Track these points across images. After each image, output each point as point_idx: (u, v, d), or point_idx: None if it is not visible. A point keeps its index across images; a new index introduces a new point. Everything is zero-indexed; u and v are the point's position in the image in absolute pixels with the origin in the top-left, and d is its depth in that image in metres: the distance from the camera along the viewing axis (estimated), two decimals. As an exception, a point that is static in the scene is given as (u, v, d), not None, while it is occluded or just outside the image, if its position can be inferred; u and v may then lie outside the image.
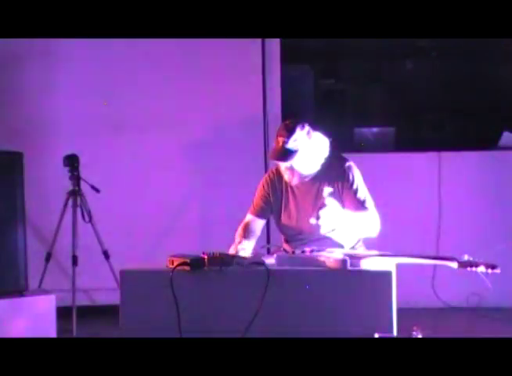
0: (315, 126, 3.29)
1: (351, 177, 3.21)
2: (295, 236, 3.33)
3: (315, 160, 3.22)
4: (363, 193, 3.22)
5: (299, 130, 3.16)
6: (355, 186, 3.20)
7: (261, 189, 3.42)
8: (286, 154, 3.15)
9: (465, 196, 5.50)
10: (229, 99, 5.44)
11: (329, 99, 6.87)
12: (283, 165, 3.22)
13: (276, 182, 3.36)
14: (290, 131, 3.15)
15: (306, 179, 3.25)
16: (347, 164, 3.26)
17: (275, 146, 3.22)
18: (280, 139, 3.17)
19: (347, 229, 3.09)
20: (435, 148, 5.60)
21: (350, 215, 3.08)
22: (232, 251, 3.11)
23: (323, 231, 3.02)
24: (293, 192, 3.30)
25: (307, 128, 3.20)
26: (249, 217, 3.41)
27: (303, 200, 3.25)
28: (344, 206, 3.15)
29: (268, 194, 3.37)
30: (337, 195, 3.17)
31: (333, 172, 3.23)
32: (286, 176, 3.26)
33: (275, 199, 3.35)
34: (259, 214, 3.38)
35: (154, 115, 5.44)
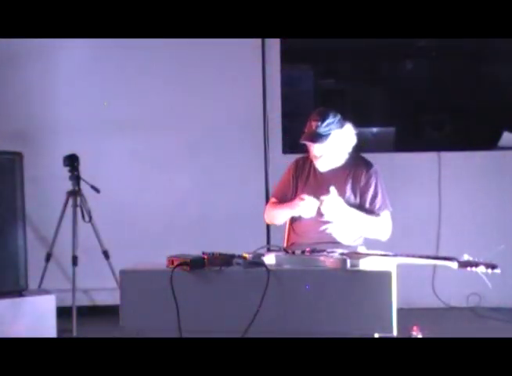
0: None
1: (374, 182, 3.33)
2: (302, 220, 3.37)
3: (344, 148, 3.34)
4: (381, 201, 3.32)
5: (332, 116, 3.28)
6: (376, 192, 3.32)
7: (286, 173, 3.53)
8: (319, 137, 3.25)
9: (465, 196, 5.50)
10: (229, 99, 5.44)
11: (329, 99, 6.86)
12: (315, 148, 3.29)
13: (302, 168, 3.46)
14: (323, 116, 3.28)
15: (332, 170, 3.34)
16: (374, 169, 3.38)
17: (307, 130, 3.31)
18: (314, 123, 3.28)
19: (350, 225, 3.22)
20: (435, 148, 5.60)
21: (356, 213, 3.21)
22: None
23: (326, 217, 3.19)
24: (316, 178, 3.38)
25: (339, 116, 3.32)
26: (273, 200, 3.51)
27: (323, 189, 3.30)
28: (359, 206, 3.29)
29: (292, 178, 3.46)
30: (356, 194, 3.30)
31: (359, 172, 3.34)
32: (316, 161, 3.34)
33: (298, 182, 3.44)
34: (282, 197, 3.45)
35: (154, 115, 5.44)
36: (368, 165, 3.38)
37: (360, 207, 3.29)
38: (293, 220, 3.44)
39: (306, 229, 3.32)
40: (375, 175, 3.34)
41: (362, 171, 3.34)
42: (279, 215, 3.42)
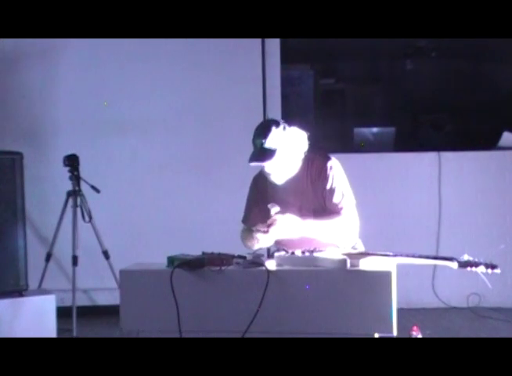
0: (292, 122, 3.23)
1: (330, 177, 3.16)
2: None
3: (295, 155, 3.17)
4: (340, 195, 3.16)
5: (274, 128, 3.11)
6: (333, 187, 3.15)
7: (249, 196, 3.39)
8: (266, 155, 3.09)
9: (465, 196, 5.50)
10: (229, 99, 5.44)
11: (329, 99, 6.88)
12: (266, 166, 3.14)
13: (261, 184, 3.30)
14: (265, 132, 3.10)
15: (290, 178, 3.19)
16: (330, 163, 3.20)
17: (253, 149, 3.14)
18: (257, 142, 3.11)
19: (314, 237, 3.06)
20: (435, 148, 5.61)
21: (312, 223, 3.05)
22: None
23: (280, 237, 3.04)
24: (277, 191, 3.23)
25: (282, 125, 3.15)
26: (242, 226, 3.36)
27: (287, 199, 3.19)
28: (324, 205, 3.14)
29: (256, 199, 3.32)
30: (319, 194, 3.16)
31: (315, 171, 3.19)
32: (271, 177, 3.19)
33: (263, 201, 3.26)
34: (251, 222, 3.27)
35: (154, 115, 5.44)
36: (322, 161, 3.19)
37: (324, 206, 3.15)
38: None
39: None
40: (330, 169, 3.16)
41: (318, 170, 3.17)
42: (251, 245, 3.20)
